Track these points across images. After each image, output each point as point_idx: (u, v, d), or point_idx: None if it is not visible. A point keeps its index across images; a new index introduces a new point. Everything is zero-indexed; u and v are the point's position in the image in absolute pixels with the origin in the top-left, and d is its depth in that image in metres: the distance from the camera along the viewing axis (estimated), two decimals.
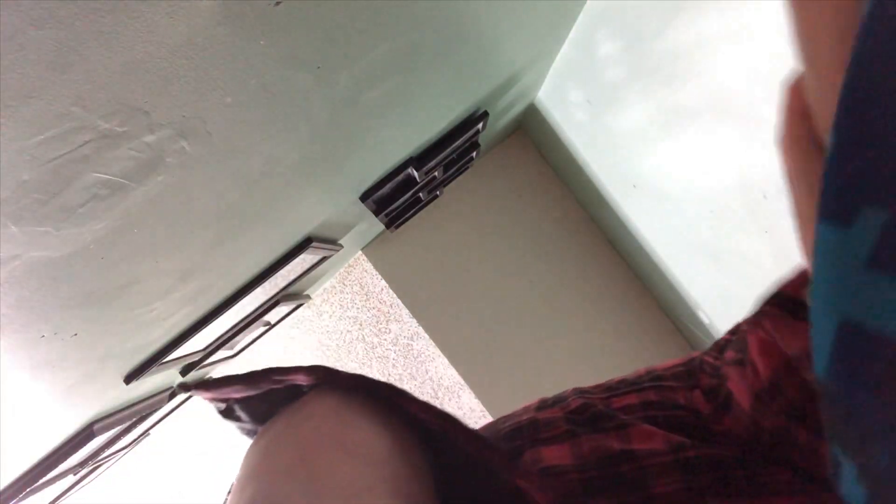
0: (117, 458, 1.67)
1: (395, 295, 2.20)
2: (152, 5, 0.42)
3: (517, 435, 0.45)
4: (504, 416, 0.49)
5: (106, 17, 0.40)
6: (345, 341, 2.64)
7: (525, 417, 0.47)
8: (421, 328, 2.19)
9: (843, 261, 0.18)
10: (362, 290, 2.59)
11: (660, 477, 0.38)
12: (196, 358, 1.43)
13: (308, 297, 2.27)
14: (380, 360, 2.63)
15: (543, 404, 0.49)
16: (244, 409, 0.36)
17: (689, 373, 0.47)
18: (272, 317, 1.83)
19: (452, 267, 2.21)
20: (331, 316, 2.62)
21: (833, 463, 0.20)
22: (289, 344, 2.65)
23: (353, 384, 0.34)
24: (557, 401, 0.49)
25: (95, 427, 1.14)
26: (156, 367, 1.15)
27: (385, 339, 2.62)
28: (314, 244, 1.32)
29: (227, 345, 1.63)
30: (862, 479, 0.18)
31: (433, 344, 2.18)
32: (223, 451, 2.89)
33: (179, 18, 0.45)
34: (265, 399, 0.35)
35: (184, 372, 1.43)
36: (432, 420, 0.33)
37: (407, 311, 2.19)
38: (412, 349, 2.59)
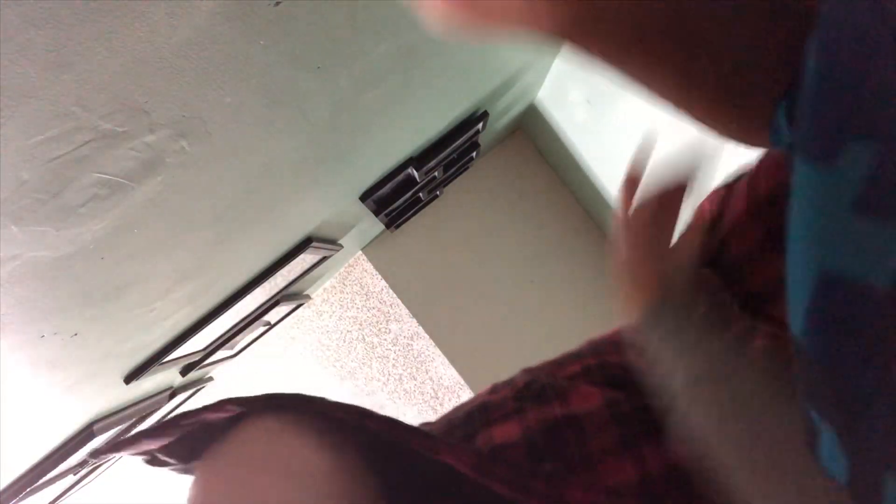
0: (117, 458, 1.67)
1: (394, 295, 2.20)
2: (153, 5, 0.42)
3: (469, 420, 0.45)
4: (457, 406, 0.50)
5: (106, 17, 0.40)
6: (345, 341, 2.64)
7: (476, 403, 0.48)
8: (421, 328, 2.19)
9: (825, 204, 0.16)
10: (362, 290, 2.59)
11: (598, 434, 0.39)
12: (196, 358, 1.43)
13: (308, 296, 2.27)
14: (380, 359, 2.63)
15: (494, 388, 0.50)
16: (167, 454, 0.36)
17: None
18: (272, 317, 1.83)
19: (452, 267, 2.21)
20: (331, 316, 2.62)
21: (810, 430, 0.18)
22: (289, 344, 2.65)
23: (263, 405, 0.33)
24: (508, 383, 0.50)
25: (95, 427, 1.14)
26: (156, 366, 1.15)
27: (385, 339, 2.62)
28: (314, 244, 1.32)
29: (228, 344, 1.63)
30: (843, 448, 0.17)
31: (433, 344, 2.18)
32: None
33: (180, 19, 0.45)
34: (184, 441, 0.35)
35: (184, 371, 1.43)
36: (349, 415, 0.33)
37: (407, 310, 2.19)
38: (412, 349, 2.59)
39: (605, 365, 0.46)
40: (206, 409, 0.33)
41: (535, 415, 0.42)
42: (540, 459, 0.39)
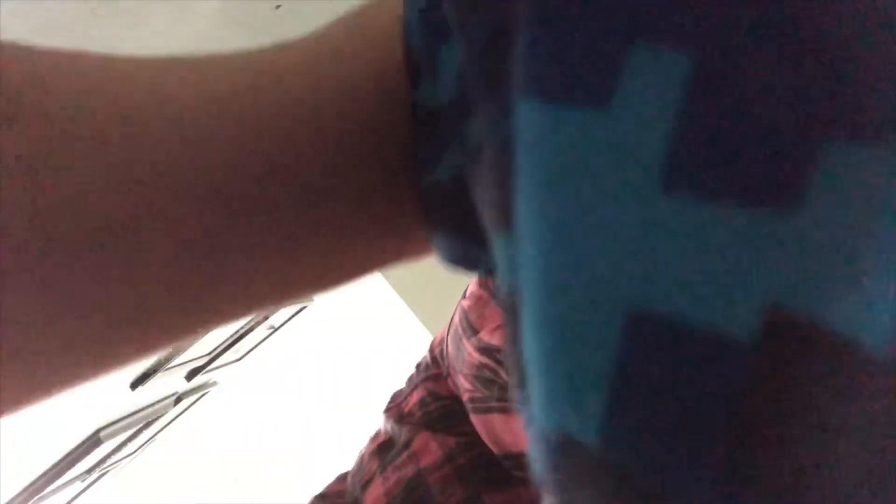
0: (124, 464, 1.68)
1: (398, 296, 2.20)
2: (155, 10, 0.42)
3: (354, 483, 0.45)
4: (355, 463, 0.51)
5: (108, 22, 0.40)
6: (347, 342, 2.65)
7: (357, 461, 0.48)
8: (426, 329, 2.19)
9: (604, 184, 0.08)
10: (364, 290, 2.60)
11: (444, 492, 0.39)
12: (202, 362, 1.43)
13: (311, 299, 2.27)
14: (384, 360, 2.63)
15: (371, 436, 0.50)
16: None
17: (443, 353, 0.49)
18: (276, 320, 1.83)
19: None
20: (335, 317, 2.63)
21: None
22: (293, 346, 2.65)
23: None
24: (375, 434, 0.49)
25: (102, 434, 1.14)
26: (161, 371, 1.15)
27: (389, 340, 2.62)
28: None
29: (232, 349, 1.63)
30: None
31: None
32: (229, 456, 2.89)
33: (181, 24, 0.45)
34: None
35: (189, 376, 1.44)
36: None
37: (411, 312, 2.19)
38: (415, 349, 2.59)
39: (435, 395, 0.46)
40: None
41: (394, 475, 0.42)
42: None
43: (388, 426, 0.48)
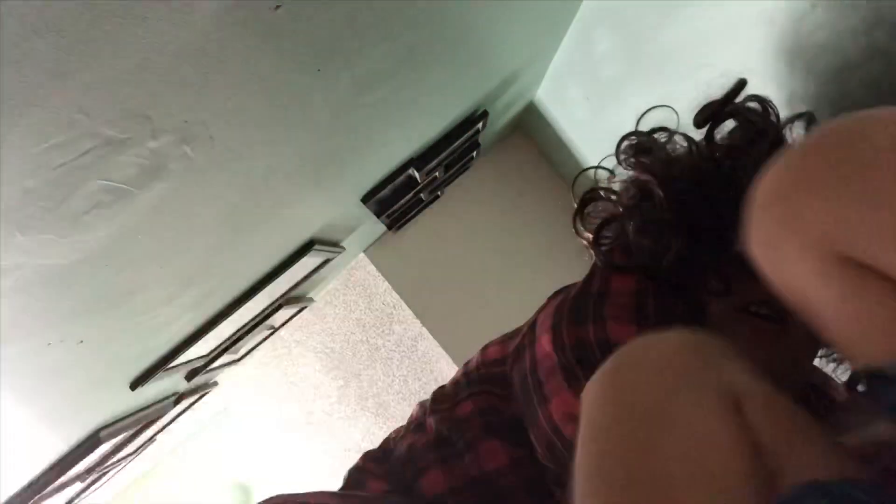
0: (124, 464, 1.68)
1: (397, 296, 2.20)
2: (155, 11, 0.42)
3: (405, 467, 0.46)
4: (392, 444, 0.51)
5: (108, 23, 0.40)
6: (349, 343, 2.64)
7: (403, 447, 0.49)
8: (425, 329, 2.19)
9: None
10: (365, 291, 2.59)
11: (512, 497, 0.41)
12: (201, 363, 1.43)
13: (311, 299, 2.27)
14: (384, 361, 2.63)
15: (411, 428, 0.51)
16: None
17: (504, 375, 0.49)
18: (276, 320, 1.83)
19: (455, 267, 2.21)
20: (334, 318, 2.62)
21: None
22: (293, 347, 2.65)
23: None
24: (418, 427, 0.50)
25: (102, 434, 1.14)
26: (161, 372, 1.15)
27: (389, 341, 2.62)
28: (317, 247, 1.32)
29: (232, 349, 1.63)
30: None
31: (437, 344, 2.18)
32: (228, 457, 2.89)
33: (182, 24, 0.45)
34: None
35: (189, 377, 1.44)
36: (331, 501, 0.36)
37: (410, 312, 2.19)
38: (416, 350, 2.59)
39: (496, 408, 0.46)
40: None
41: (455, 469, 0.43)
42: None
43: (439, 426, 0.48)
